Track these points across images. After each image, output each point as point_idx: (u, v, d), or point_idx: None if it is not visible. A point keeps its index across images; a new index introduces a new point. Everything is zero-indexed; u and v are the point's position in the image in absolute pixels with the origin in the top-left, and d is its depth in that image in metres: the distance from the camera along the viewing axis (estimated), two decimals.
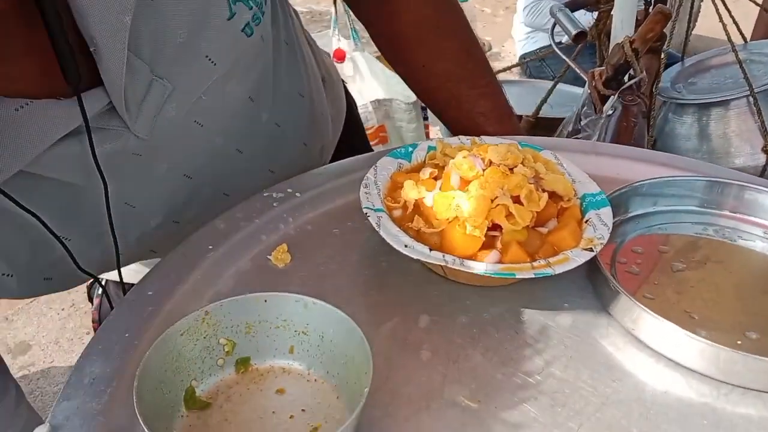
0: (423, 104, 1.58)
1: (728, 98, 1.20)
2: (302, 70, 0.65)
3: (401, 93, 1.58)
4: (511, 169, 0.49)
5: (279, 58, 0.60)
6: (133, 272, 0.62)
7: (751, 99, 1.18)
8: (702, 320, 0.45)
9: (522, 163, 0.50)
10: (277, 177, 0.60)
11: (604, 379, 0.41)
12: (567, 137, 1.06)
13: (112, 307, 0.48)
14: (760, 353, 0.41)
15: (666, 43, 1.18)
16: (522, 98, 1.50)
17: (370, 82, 1.65)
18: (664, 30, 1.09)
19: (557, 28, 1.30)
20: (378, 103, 1.52)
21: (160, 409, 0.36)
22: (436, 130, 1.62)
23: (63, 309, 1.65)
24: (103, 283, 0.72)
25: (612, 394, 0.40)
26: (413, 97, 1.55)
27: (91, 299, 1.16)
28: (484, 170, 0.48)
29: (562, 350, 0.43)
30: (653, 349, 0.43)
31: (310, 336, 0.40)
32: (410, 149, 0.56)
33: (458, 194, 0.46)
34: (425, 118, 1.59)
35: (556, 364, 0.42)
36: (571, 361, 0.42)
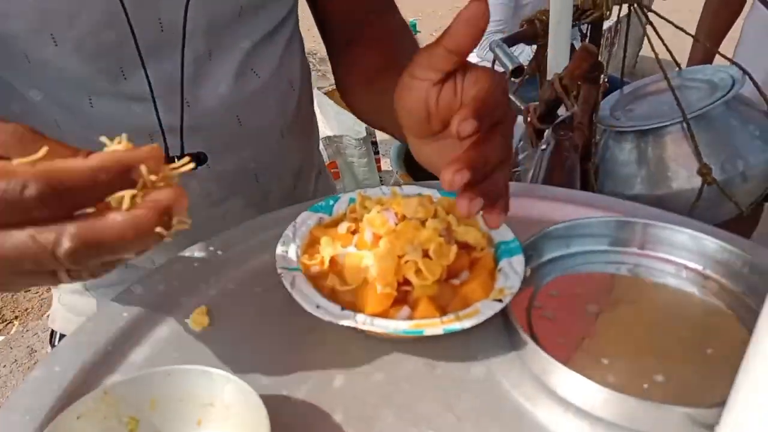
0: (373, 139, 1.60)
1: (663, 125, 1.24)
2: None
3: (351, 129, 1.59)
4: (423, 222, 0.49)
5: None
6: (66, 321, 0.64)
7: (684, 125, 1.21)
8: (611, 365, 0.46)
9: (435, 215, 0.50)
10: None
11: None
12: None
13: None
14: (665, 397, 0.42)
15: (603, 72, 1.21)
16: None
17: (321, 118, 1.67)
18: (601, 60, 1.13)
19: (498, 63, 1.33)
20: (329, 140, 1.53)
21: None
22: (387, 163, 1.64)
23: (5, 366, 1.60)
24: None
25: None
26: (363, 133, 1.56)
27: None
28: (396, 224, 0.49)
29: (476, 404, 0.43)
30: (562, 398, 0.43)
31: (217, 407, 0.40)
32: (331, 202, 0.57)
33: (366, 254, 0.47)
34: (376, 153, 1.60)
35: (468, 418, 0.42)
36: (481, 415, 0.43)
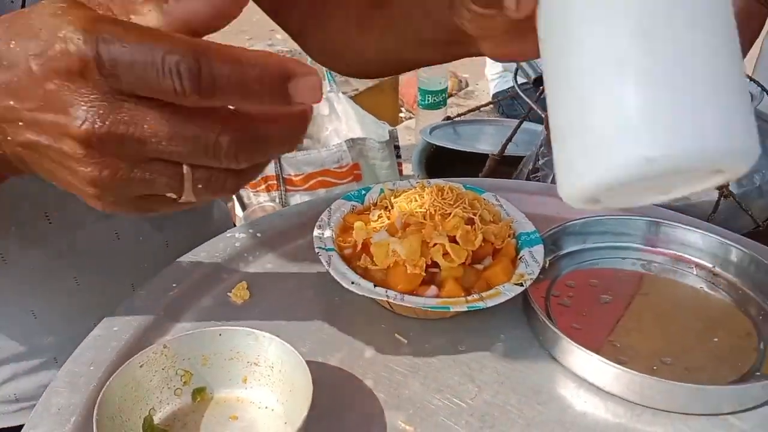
0: (396, 143, 1.64)
1: None
2: None
3: (375, 132, 1.63)
4: (449, 213, 0.53)
5: None
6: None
7: None
8: (623, 348, 0.49)
9: (461, 205, 0.54)
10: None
11: (531, 403, 0.45)
12: (527, 175, 1.12)
13: None
14: (672, 377, 0.46)
15: None
16: (494, 137, 1.57)
17: (345, 121, 1.71)
18: None
19: (520, 72, 1.37)
20: (352, 142, 1.58)
21: None
22: (409, 167, 1.68)
23: None
24: None
25: (536, 416, 0.44)
26: (386, 136, 1.60)
27: None
28: (424, 214, 0.53)
29: (495, 377, 0.47)
30: (576, 375, 0.47)
31: (261, 367, 0.44)
32: (363, 192, 0.61)
33: (393, 240, 0.50)
34: (398, 156, 1.64)
35: (488, 389, 0.46)
36: (501, 386, 0.46)
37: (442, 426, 0.43)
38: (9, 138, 0.29)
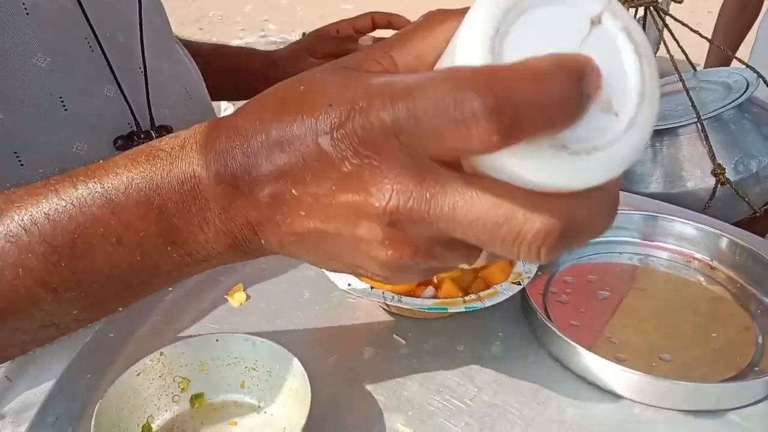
0: None
1: (678, 125, 1.26)
2: None
3: None
4: None
5: None
6: None
7: (698, 125, 1.24)
8: (621, 345, 0.49)
9: None
10: None
11: (530, 403, 0.45)
12: None
13: None
14: (671, 374, 0.46)
15: None
16: None
17: None
18: None
19: None
20: None
21: None
22: None
23: None
24: None
25: (536, 417, 0.44)
26: None
27: None
28: None
29: (494, 377, 0.47)
30: (575, 374, 0.47)
31: (259, 372, 0.44)
32: None
33: None
34: None
35: (487, 389, 0.46)
36: (500, 386, 0.46)
37: (441, 427, 0.43)
38: (282, 229, 0.25)
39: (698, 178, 1.28)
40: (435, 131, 0.21)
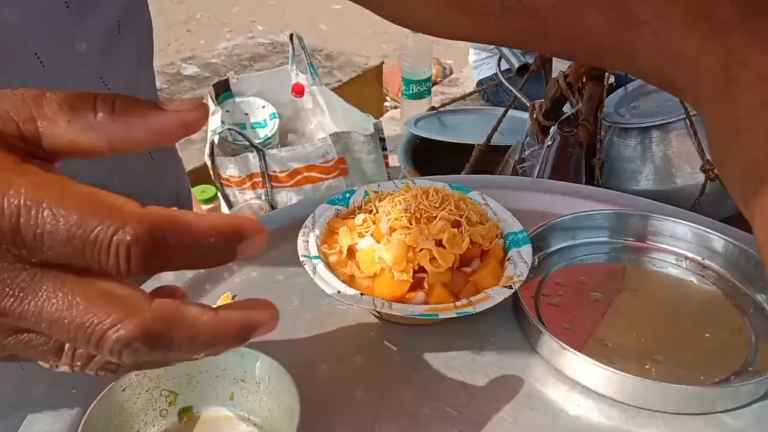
0: (381, 136, 1.62)
1: (666, 121, 1.27)
2: None
3: (359, 125, 1.62)
4: (435, 216, 0.52)
5: None
6: None
7: (687, 122, 1.24)
8: (614, 347, 0.49)
9: (446, 208, 0.53)
10: None
11: (524, 409, 0.44)
12: (513, 166, 1.11)
13: None
14: (665, 376, 0.45)
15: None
16: (479, 126, 1.54)
17: (329, 115, 1.69)
18: None
19: (504, 60, 1.35)
20: (337, 136, 1.56)
21: None
22: (395, 159, 1.67)
23: None
24: None
25: (530, 423, 0.43)
26: (371, 129, 1.59)
27: None
28: (409, 218, 0.52)
29: (487, 383, 0.46)
30: (569, 377, 0.46)
31: (248, 383, 0.43)
32: (347, 195, 0.60)
33: (378, 247, 0.49)
34: (384, 149, 1.63)
35: (480, 396, 0.45)
36: (493, 393, 0.46)
37: None
38: None
39: (688, 175, 1.29)
40: (75, 254, 0.21)
